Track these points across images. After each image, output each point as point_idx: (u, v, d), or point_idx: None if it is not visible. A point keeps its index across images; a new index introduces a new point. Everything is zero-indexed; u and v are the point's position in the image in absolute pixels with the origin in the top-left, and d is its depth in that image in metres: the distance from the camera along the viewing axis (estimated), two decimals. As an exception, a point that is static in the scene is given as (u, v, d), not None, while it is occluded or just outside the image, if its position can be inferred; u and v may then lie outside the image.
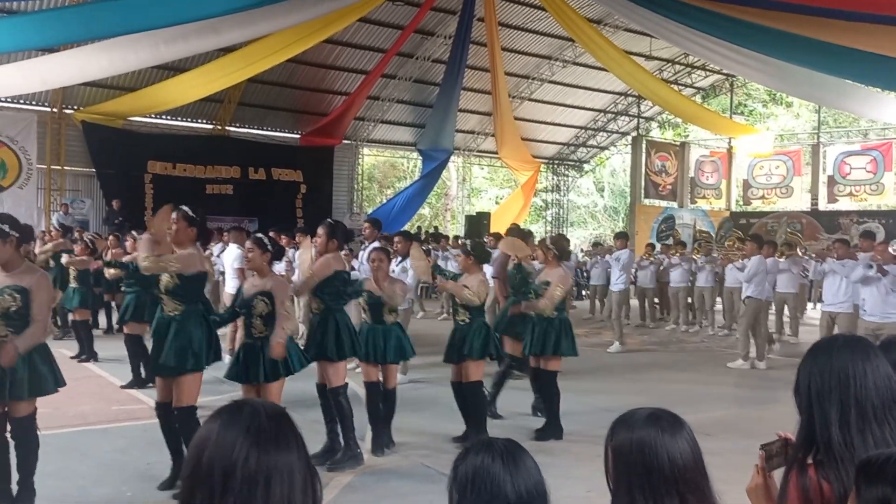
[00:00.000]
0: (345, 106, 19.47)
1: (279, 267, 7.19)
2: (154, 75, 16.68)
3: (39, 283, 4.06)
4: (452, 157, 22.71)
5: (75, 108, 16.93)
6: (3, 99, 15.73)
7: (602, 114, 24.79)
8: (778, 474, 1.86)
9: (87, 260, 8.95)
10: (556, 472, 4.39)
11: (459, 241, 15.88)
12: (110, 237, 11.11)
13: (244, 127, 19.66)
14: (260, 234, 5.29)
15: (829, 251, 9.10)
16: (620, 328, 11.26)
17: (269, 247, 4.93)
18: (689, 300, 13.76)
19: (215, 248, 10.15)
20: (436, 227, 24.40)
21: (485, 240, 11.19)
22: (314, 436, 5.19)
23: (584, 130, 25.34)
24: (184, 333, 4.53)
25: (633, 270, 14.22)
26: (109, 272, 7.26)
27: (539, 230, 24.66)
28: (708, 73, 23.33)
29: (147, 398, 6.71)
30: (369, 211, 21.79)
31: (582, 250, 20.31)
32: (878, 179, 21.43)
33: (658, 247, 15.14)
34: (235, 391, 5.56)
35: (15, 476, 4.20)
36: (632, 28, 18.95)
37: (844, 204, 21.96)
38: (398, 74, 20.20)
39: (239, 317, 5.05)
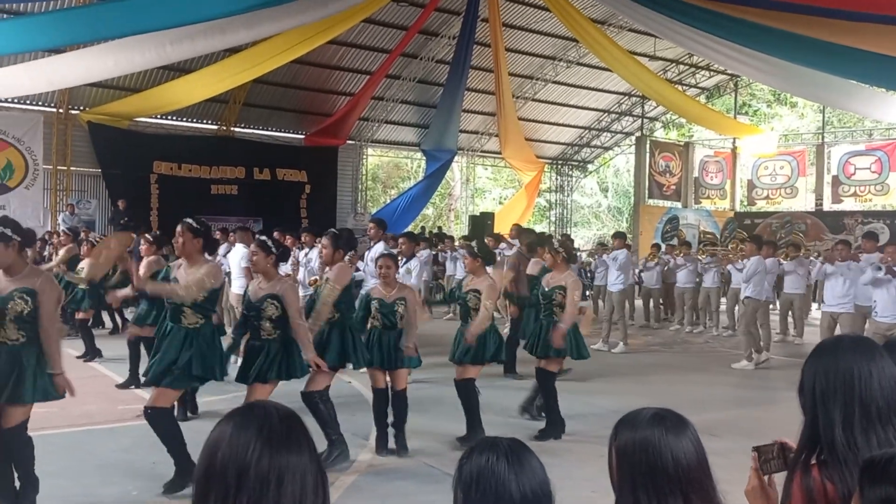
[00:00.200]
0: (349, 106, 19.49)
1: (285, 268, 7.22)
2: (160, 76, 16.73)
3: (46, 284, 4.08)
4: (456, 158, 22.72)
5: (81, 108, 16.98)
6: (9, 99, 15.78)
7: (606, 114, 24.76)
8: (779, 477, 1.86)
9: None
10: (560, 472, 4.39)
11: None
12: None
13: (249, 127, 19.70)
14: (264, 237, 5.31)
15: (834, 252, 9.07)
16: (625, 328, 11.25)
17: (274, 249, 4.95)
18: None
19: (221, 248, 10.18)
20: (439, 228, 24.39)
21: (485, 240, 11.29)
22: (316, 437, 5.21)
23: (587, 131, 25.32)
24: (212, 346, 4.64)
25: (637, 271, 14.22)
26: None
27: (542, 231, 24.62)
28: (712, 73, 23.29)
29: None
30: (373, 211, 21.81)
31: (583, 250, 20.29)
32: (882, 180, 21.38)
33: (663, 247, 15.12)
34: (239, 391, 5.58)
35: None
36: (636, 28, 18.94)
37: (849, 204, 21.91)
38: (402, 75, 20.21)
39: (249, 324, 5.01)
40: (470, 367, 5.84)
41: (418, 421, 6.32)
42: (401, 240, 8.39)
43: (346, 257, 5.66)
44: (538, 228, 23.47)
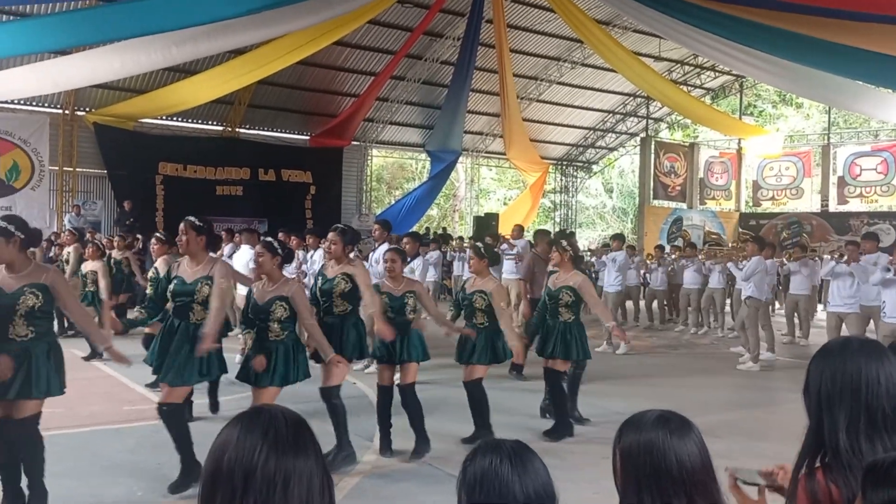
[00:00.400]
0: (354, 107, 19.53)
1: (290, 269, 7.22)
2: (165, 77, 16.78)
3: (56, 277, 4.13)
4: (461, 159, 22.73)
5: (87, 110, 17.05)
6: (15, 101, 15.86)
7: (611, 115, 24.74)
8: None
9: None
10: (563, 474, 4.39)
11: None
12: (116, 238, 11.20)
13: (254, 129, 19.76)
14: (269, 238, 5.32)
15: (852, 252, 8.93)
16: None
17: (280, 250, 4.96)
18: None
19: (226, 248, 10.20)
20: (444, 228, 24.41)
21: (485, 240, 11.30)
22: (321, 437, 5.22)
23: (592, 131, 25.31)
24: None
25: (641, 272, 14.20)
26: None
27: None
28: (717, 74, 23.26)
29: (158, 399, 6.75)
30: (378, 212, 21.83)
31: (589, 250, 20.25)
32: (888, 180, 21.31)
33: (668, 248, 15.10)
34: (245, 391, 5.59)
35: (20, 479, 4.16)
36: (641, 29, 18.91)
37: (855, 205, 21.85)
38: (407, 76, 20.24)
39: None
40: (477, 367, 5.83)
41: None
42: (405, 240, 8.38)
43: (353, 254, 5.71)
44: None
